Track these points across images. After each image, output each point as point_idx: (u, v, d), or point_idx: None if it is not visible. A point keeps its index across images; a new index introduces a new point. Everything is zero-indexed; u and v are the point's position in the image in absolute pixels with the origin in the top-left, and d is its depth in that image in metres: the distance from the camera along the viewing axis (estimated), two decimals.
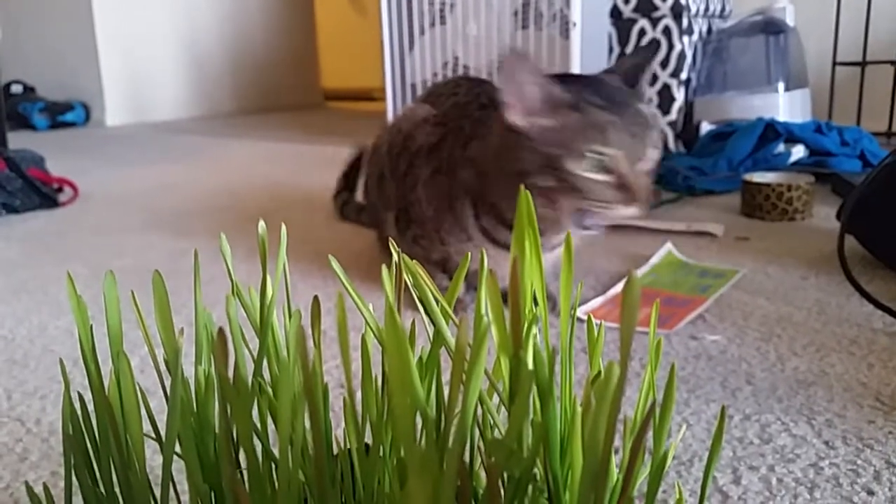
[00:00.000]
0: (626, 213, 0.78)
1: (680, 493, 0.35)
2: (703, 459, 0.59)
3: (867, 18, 2.16)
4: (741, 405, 0.68)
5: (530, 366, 0.27)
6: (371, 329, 0.32)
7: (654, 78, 2.16)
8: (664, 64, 2.14)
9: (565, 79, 0.80)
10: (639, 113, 0.77)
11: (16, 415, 0.69)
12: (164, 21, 4.07)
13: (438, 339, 0.31)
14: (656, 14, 2.11)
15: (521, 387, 0.22)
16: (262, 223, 0.35)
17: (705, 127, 1.98)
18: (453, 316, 0.31)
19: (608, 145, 0.75)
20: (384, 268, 0.32)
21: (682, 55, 2.12)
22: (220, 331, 0.23)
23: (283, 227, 0.34)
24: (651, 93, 2.17)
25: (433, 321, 0.31)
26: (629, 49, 2.17)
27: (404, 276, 0.33)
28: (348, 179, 1.45)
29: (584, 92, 0.78)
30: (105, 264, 1.21)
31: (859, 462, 0.58)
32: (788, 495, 0.54)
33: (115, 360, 0.30)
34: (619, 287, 1.00)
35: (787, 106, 2.12)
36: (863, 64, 2.18)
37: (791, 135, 1.71)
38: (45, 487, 0.37)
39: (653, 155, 0.78)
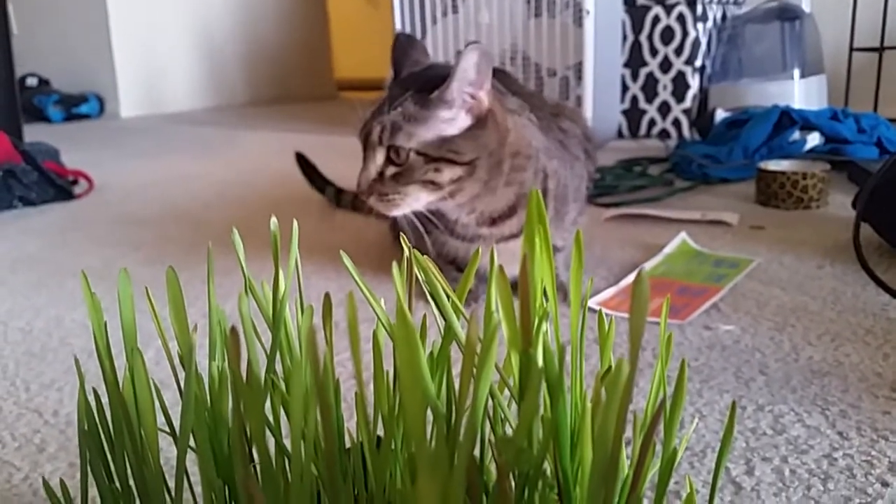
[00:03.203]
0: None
1: (691, 486, 0.35)
2: (716, 450, 0.59)
3: (885, 3, 2.13)
4: (754, 395, 0.67)
5: (540, 363, 0.27)
6: (382, 324, 0.32)
7: (669, 65, 2.14)
8: (679, 51, 2.12)
9: (414, 77, 0.87)
10: (380, 117, 0.83)
11: (34, 406, 0.70)
12: (177, 13, 4.08)
13: (449, 334, 0.31)
14: (670, 1, 2.10)
15: (530, 385, 0.22)
16: (273, 220, 0.35)
17: (720, 114, 1.96)
18: (464, 311, 0.31)
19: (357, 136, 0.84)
20: (395, 266, 0.32)
21: (696, 42, 2.10)
22: (233, 330, 0.23)
23: (295, 224, 0.35)
24: (665, 80, 2.16)
25: (444, 316, 0.31)
26: (643, 36, 2.16)
27: (416, 271, 0.34)
28: (314, 178, 1.55)
29: (399, 86, 0.85)
30: (120, 256, 1.22)
31: (874, 453, 0.58)
32: (802, 486, 0.54)
33: (130, 358, 0.30)
34: (631, 277, 1.00)
35: (802, 93, 2.10)
36: (880, 49, 2.15)
37: (807, 122, 1.69)
38: (62, 483, 0.37)
39: (373, 159, 0.83)
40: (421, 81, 0.83)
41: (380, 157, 0.82)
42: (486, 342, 0.23)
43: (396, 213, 0.83)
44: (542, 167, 0.88)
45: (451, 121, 0.81)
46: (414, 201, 0.82)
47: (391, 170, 0.82)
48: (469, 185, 0.83)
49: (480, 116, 0.82)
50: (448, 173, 0.81)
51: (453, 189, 0.83)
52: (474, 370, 0.25)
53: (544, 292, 0.31)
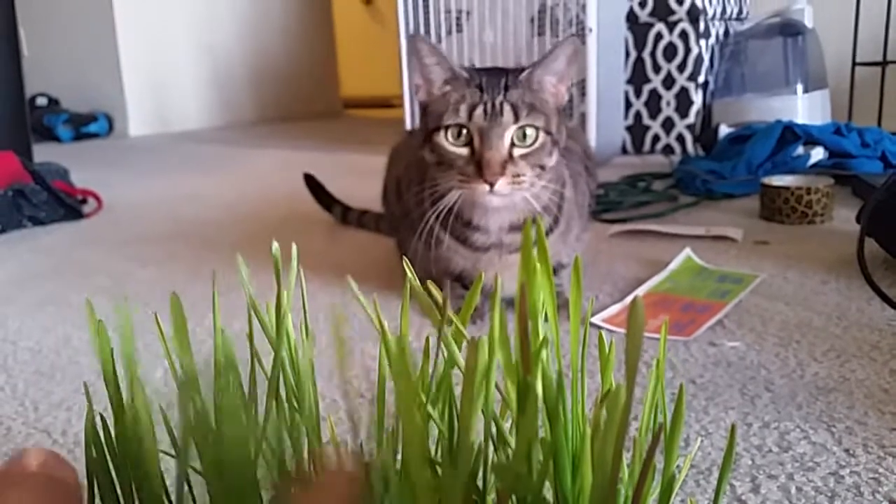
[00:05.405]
0: (478, 188, 0.80)
1: None
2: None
3: (887, 17, 2.14)
4: (760, 412, 0.67)
5: (538, 390, 0.27)
6: (386, 348, 0.32)
7: (672, 81, 2.15)
8: (681, 67, 2.13)
9: (487, 70, 0.85)
10: (500, 97, 0.79)
11: (42, 426, 0.71)
12: (185, 32, 4.12)
13: (450, 360, 0.31)
14: (673, 18, 2.11)
15: (527, 411, 0.22)
16: (275, 244, 0.35)
17: (723, 130, 1.97)
18: (466, 335, 0.32)
19: (460, 119, 0.79)
20: (405, 294, 0.33)
21: (699, 58, 2.11)
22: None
23: (294, 249, 0.35)
24: (669, 96, 2.17)
25: (446, 344, 0.31)
26: (646, 53, 2.17)
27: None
28: (322, 196, 1.56)
29: (483, 74, 0.82)
30: (129, 275, 1.23)
31: (881, 470, 0.58)
32: None
33: (131, 387, 0.30)
34: (636, 293, 1.00)
35: (806, 108, 2.10)
36: (883, 64, 2.15)
37: (810, 137, 1.69)
38: None
39: (503, 138, 0.79)
40: (507, 71, 0.83)
41: (508, 136, 0.80)
42: (480, 376, 0.24)
43: (516, 196, 0.81)
44: (561, 173, 0.89)
45: (547, 104, 0.82)
46: (532, 183, 0.81)
47: (518, 150, 0.80)
48: (551, 174, 0.84)
49: (558, 107, 0.83)
50: (555, 156, 0.82)
51: (547, 175, 0.83)
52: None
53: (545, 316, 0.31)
